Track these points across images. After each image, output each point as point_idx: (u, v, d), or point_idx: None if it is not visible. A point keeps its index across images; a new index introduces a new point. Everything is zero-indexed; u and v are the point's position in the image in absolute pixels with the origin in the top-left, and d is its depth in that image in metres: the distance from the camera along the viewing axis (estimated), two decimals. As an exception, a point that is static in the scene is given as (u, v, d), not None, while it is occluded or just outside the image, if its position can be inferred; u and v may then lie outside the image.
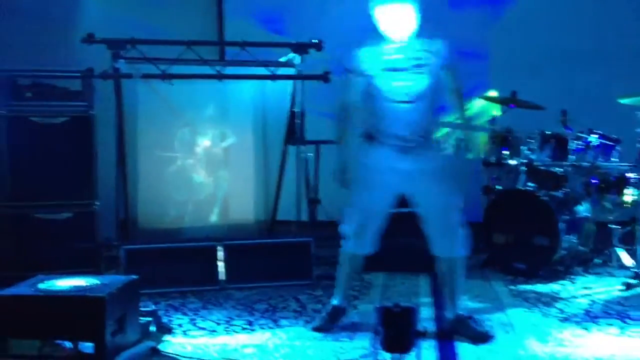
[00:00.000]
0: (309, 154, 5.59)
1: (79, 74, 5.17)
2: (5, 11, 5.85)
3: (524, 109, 5.53)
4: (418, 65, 3.66)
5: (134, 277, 3.48)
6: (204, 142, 5.55)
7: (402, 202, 5.26)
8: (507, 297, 4.51)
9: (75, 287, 3.26)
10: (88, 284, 3.30)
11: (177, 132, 5.45)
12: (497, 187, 5.61)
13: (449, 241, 3.76)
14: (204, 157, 5.54)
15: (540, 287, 4.77)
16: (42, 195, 5.17)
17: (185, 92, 5.33)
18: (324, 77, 4.93)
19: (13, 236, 5.16)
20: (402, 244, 5.28)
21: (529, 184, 5.23)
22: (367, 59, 3.71)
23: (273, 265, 4.88)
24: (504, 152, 5.45)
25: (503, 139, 5.58)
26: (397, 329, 2.85)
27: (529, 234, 5.07)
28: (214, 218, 5.57)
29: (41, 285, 3.29)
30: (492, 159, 5.50)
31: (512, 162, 5.48)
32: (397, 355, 2.92)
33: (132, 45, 4.88)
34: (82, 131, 5.30)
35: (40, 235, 5.13)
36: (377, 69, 3.67)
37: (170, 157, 5.42)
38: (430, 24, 6.08)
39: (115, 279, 3.42)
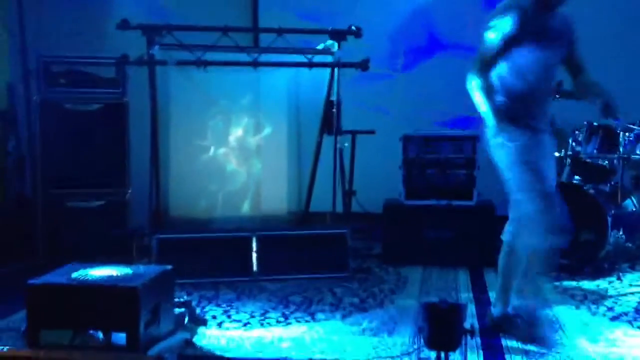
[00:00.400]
0: (345, 144, 5.44)
1: (113, 61, 5.11)
2: (39, -1, 5.84)
3: (569, 100, 5.31)
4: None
5: (168, 267, 3.37)
6: (237, 132, 5.43)
7: (438, 193, 5.17)
8: (552, 294, 4.33)
9: (108, 276, 3.16)
10: (121, 274, 3.20)
11: (210, 121, 5.36)
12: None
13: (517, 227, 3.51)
14: (236, 146, 5.44)
15: (586, 284, 4.58)
16: (74, 183, 5.14)
17: (219, 80, 5.24)
18: (363, 65, 4.78)
19: (45, 224, 5.15)
20: (440, 237, 5.14)
21: (576, 177, 5.02)
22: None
23: (307, 257, 4.77)
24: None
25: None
26: (443, 326, 2.70)
27: (575, 228, 4.86)
28: (245, 209, 5.48)
29: (74, 274, 3.20)
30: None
31: (556, 154, 5.27)
32: (441, 353, 2.77)
33: (167, 32, 4.78)
34: (115, 119, 5.28)
35: (73, 223, 5.11)
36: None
37: (202, 146, 5.34)
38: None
39: (148, 269, 3.31)
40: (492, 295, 4.28)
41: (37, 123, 5.20)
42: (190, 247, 4.67)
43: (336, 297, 4.27)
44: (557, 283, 4.62)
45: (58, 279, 3.15)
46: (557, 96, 5.23)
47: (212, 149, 5.37)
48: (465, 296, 4.30)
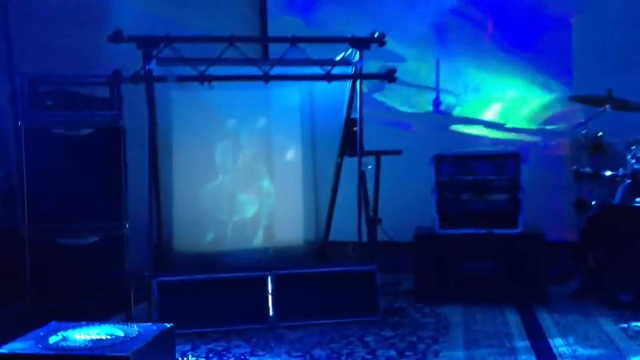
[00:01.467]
0: (368, 166, 4.83)
1: (103, 79, 4.53)
2: (24, 11, 5.27)
3: (621, 111, 4.71)
4: None
5: (168, 326, 2.76)
6: (247, 155, 4.88)
7: (477, 220, 4.55)
8: (623, 340, 3.68)
9: (94, 342, 2.55)
10: (110, 337, 2.59)
11: (216, 144, 4.81)
12: (592, 202, 4.78)
13: None
14: (247, 171, 4.86)
15: (660, 326, 3.93)
16: (65, 217, 4.55)
17: (226, 98, 4.72)
18: (389, 76, 4.18)
19: (32, 263, 4.54)
20: (480, 270, 4.51)
21: (637, 199, 4.38)
22: None
23: (331, 298, 4.15)
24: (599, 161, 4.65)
25: (597, 146, 4.78)
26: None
27: (636, 259, 4.24)
28: (258, 240, 4.91)
29: (53, 339, 2.59)
30: (587, 170, 4.68)
31: (608, 173, 4.66)
32: None
33: (165, 44, 4.20)
34: (109, 144, 4.68)
35: (63, 263, 4.52)
36: None
37: (209, 172, 4.79)
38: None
39: (144, 330, 2.70)
40: (554, 342, 3.65)
41: (22, 150, 4.60)
42: (196, 290, 4.07)
43: (369, 349, 3.63)
44: (624, 324, 3.96)
45: (31, 348, 2.53)
46: (606, 106, 4.66)
47: (220, 175, 4.81)
48: (522, 345, 3.65)
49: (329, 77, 4.12)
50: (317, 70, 4.32)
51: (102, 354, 2.44)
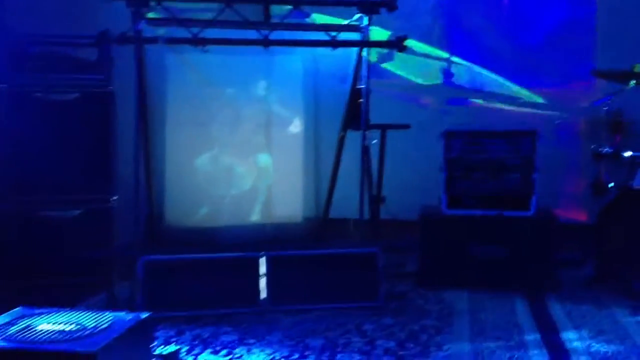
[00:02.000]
0: (373, 141, 4.53)
1: (91, 40, 4.20)
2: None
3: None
4: None
5: (144, 315, 2.49)
6: (246, 126, 4.58)
7: (488, 201, 4.26)
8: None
9: (59, 334, 2.28)
10: (78, 329, 2.32)
11: (214, 113, 4.53)
12: (609, 184, 4.48)
13: None
14: (245, 143, 4.58)
15: (684, 320, 3.66)
16: (47, 188, 4.24)
17: (224, 64, 4.42)
18: (399, 44, 3.85)
19: (14, 237, 4.27)
20: (489, 254, 4.23)
21: (660, 183, 4.08)
22: None
23: (329, 281, 3.88)
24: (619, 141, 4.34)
25: (617, 124, 4.46)
26: None
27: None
28: (255, 216, 4.67)
29: (14, 329, 2.33)
30: (606, 150, 4.37)
31: (628, 153, 4.35)
32: None
33: (157, 3, 3.88)
34: (97, 110, 4.32)
35: (46, 237, 4.22)
36: None
37: (205, 143, 4.53)
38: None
39: (118, 320, 2.43)
40: (566, 335, 3.38)
41: (4, 116, 4.30)
42: (184, 270, 3.79)
43: (366, 339, 3.36)
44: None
45: (-13, 339, 2.27)
46: (633, 82, 4.33)
47: (216, 147, 4.55)
48: (532, 338, 3.37)
49: (334, 44, 3.81)
50: (321, 36, 3.99)
51: (65, 349, 2.17)
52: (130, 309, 3.64)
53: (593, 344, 3.27)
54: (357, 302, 3.84)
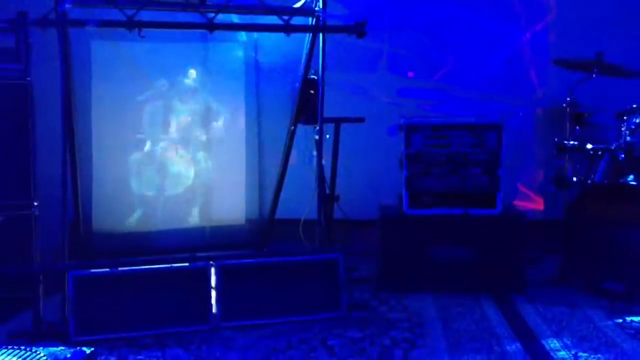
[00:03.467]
0: (326, 136, 4.18)
1: (5, 24, 3.66)
2: None
3: (612, 77, 4.22)
4: None
5: (86, 351, 2.04)
6: (181, 120, 4.18)
7: (452, 199, 4.00)
8: (626, 341, 3.19)
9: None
10: (5, 372, 1.86)
11: (145, 106, 4.10)
12: (573, 178, 4.30)
13: None
14: (180, 139, 4.19)
15: (663, 322, 3.48)
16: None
17: (156, 51, 4.01)
18: (358, 29, 3.51)
19: None
20: (453, 256, 3.97)
21: (630, 177, 3.90)
22: None
23: (286, 292, 3.52)
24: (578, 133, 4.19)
25: (577, 116, 4.29)
26: None
27: (630, 243, 3.77)
28: (193, 219, 4.27)
29: None
30: (571, 143, 4.18)
31: (589, 146, 4.18)
32: None
33: (83, -19, 3.40)
34: (14, 104, 3.85)
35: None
36: None
37: (136, 139, 4.10)
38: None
39: (52, 356, 1.98)
40: (549, 344, 3.14)
41: None
42: (121, 284, 3.33)
43: (333, 355, 3.01)
44: (618, 319, 3.49)
45: None
46: (594, 72, 4.15)
47: (149, 143, 4.12)
48: (514, 349, 3.11)
49: (287, 29, 3.41)
50: (273, 19, 3.60)
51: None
52: (61, 333, 3.18)
53: (580, 353, 3.03)
54: (317, 313, 3.49)
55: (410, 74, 5.04)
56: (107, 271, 3.33)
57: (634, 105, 3.94)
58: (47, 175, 3.94)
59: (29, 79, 3.87)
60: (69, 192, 3.71)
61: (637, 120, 3.89)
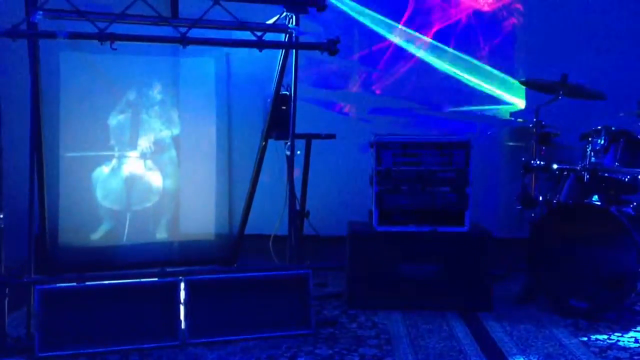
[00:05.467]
0: (297, 152, 4.18)
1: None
2: None
3: (577, 98, 4.31)
4: None
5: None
6: (150, 134, 4.17)
7: (420, 217, 4.03)
8: (589, 357, 3.24)
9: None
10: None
11: (113, 119, 4.07)
12: (539, 197, 4.36)
13: None
14: (149, 153, 4.17)
15: (625, 340, 3.53)
16: None
17: (126, 64, 4.00)
18: (330, 47, 3.53)
19: None
20: (421, 273, 4.00)
21: (594, 197, 3.98)
22: None
23: (255, 308, 3.50)
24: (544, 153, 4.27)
25: (543, 136, 4.37)
26: None
27: (594, 262, 3.84)
28: (161, 234, 4.24)
29: None
30: (537, 163, 4.25)
31: (555, 166, 4.25)
32: None
33: (54, -9, 3.37)
34: (-21, 115, 3.80)
35: None
36: None
37: (103, 152, 4.08)
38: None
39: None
40: (516, 361, 3.17)
41: None
42: (88, 299, 3.28)
43: (304, 373, 3.01)
44: (583, 337, 3.55)
45: None
46: (560, 93, 4.24)
47: (116, 157, 4.09)
48: (482, 366, 3.14)
49: (260, 44, 3.41)
50: (246, 35, 3.61)
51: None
52: (26, 348, 3.12)
53: (544, 370, 3.08)
54: (287, 330, 3.48)
55: (378, 91, 5.09)
56: (73, 285, 3.27)
57: (598, 127, 4.03)
58: (13, 187, 3.87)
59: (-5, 88, 3.82)
60: (35, 205, 3.66)
61: (601, 142, 3.98)
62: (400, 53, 5.06)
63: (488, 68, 5.00)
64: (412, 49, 5.05)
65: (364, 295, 3.99)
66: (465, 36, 5.01)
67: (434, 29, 5.02)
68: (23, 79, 3.58)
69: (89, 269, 3.72)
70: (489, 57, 5.00)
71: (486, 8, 4.99)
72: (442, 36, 5.02)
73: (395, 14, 5.05)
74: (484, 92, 5.02)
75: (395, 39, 5.04)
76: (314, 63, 5.00)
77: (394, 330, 3.63)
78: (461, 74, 5.03)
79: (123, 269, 3.87)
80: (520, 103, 4.98)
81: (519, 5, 4.97)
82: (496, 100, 5.03)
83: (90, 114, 4.01)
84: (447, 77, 5.02)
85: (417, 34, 5.03)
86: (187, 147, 4.22)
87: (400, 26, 5.03)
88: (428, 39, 5.02)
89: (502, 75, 4.99)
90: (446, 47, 5.02)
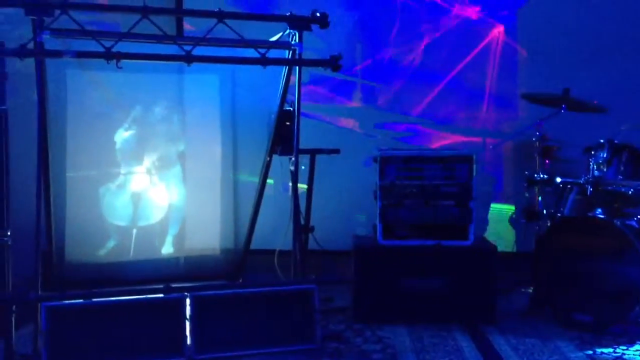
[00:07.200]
0: (301, 167, 4.21)
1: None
2: None
3: (579, 112, 4.33)
4: None
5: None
6: (156, 151, 4.20)
7: (425, 231, 4.04)
8: (595, 373, 3.26)
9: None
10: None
11: (120, 136, 4.11)
12: (543, 211, 4.38)
13: None
14: (154, 169, 4.20)
15: (631, 353, 3.53)
16: None
17: (132, 81, 4.01)
18: (333, 63, 3.57)
19: None
20: (426, 287, 4.01)
21: (598, 210, 3.99)
22: None
23: (260, 323, 3.52)
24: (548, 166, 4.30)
25: (546, 150, 4.39)
26: None
27: (598, 275, 3.84)
28: (167, 249, 4.27)
29: None
30: (541, 176, 4.27)
31: (558, 179, 4.27)
32: None
33: (62, 11, 3.40)
34: (-13, 133, 3.84)
35: None
36: None
37: (109, 169, 4.11)
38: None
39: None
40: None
41: None
42: (94, 315, 3.31)
43: (310, 389, 3.02)
44: (589, 351, 3.55)
45: None
46: (562, 107, 4.26)
47: (122, 173, 4.12)
48: (488, 381, 3.14)
49: (264, 61, 3.46)
50: (250, 52, 3.65)
51: None
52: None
53: (548, 383, 3.09)
54: (292, 344, 3.50)
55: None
56: (80, 302, 3.30)
57: (601, 141, 4.05)
58: (20, 204, 3.91)
59: (4, 107, 3.86)
60: (42, 222, 3.69)
61: (604, 155, 4.00)
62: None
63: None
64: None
65: (370, 309, 4.00)
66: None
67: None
68: (30, 96, 3.64)
69: (95, 285, 3.75)
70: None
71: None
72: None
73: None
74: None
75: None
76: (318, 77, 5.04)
77: (400, 344, 3.64)
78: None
79: (129, 285, 3.90)
80: (523, 117, 5.01)
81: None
82: (499, 114, 5.06)
83: (98, 131, 4.04)
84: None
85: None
86: (192, 163, 4.25)
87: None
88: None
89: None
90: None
